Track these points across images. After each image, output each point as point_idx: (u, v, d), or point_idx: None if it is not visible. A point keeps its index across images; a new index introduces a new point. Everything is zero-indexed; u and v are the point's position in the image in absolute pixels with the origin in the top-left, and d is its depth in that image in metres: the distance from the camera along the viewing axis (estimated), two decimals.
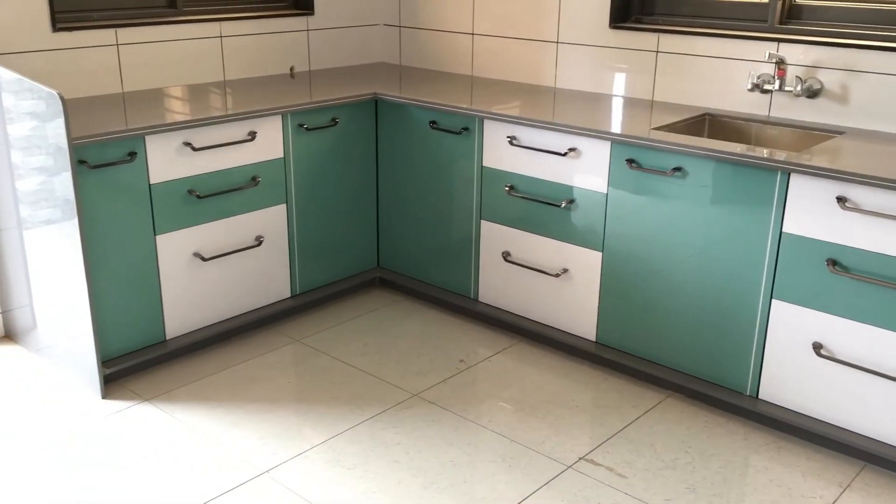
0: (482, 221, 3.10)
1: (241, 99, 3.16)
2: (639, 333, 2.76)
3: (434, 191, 3.22)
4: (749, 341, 2.52)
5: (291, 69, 3.67)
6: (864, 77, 2.69)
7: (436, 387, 2.77)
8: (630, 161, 2.63)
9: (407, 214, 3.35)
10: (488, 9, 3.57)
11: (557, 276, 2.92)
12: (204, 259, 2.87)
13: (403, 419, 2.58)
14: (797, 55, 2.80)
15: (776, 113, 2.88)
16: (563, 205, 2.83)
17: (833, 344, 2.35)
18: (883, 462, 2.33)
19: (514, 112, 2.96)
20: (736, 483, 2.29)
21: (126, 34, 3.13)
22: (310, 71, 3.73)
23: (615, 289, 2.78)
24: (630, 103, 3.13)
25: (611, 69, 3.26)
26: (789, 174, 2.33)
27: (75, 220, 2.48)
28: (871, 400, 2.32)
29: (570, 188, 2.81)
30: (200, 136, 2.79)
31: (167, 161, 2.72)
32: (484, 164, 3.04)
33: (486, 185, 3.05)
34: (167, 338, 2.87)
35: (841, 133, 2.68)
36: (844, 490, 2.26)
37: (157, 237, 2.75)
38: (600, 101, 3.18)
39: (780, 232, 2.38)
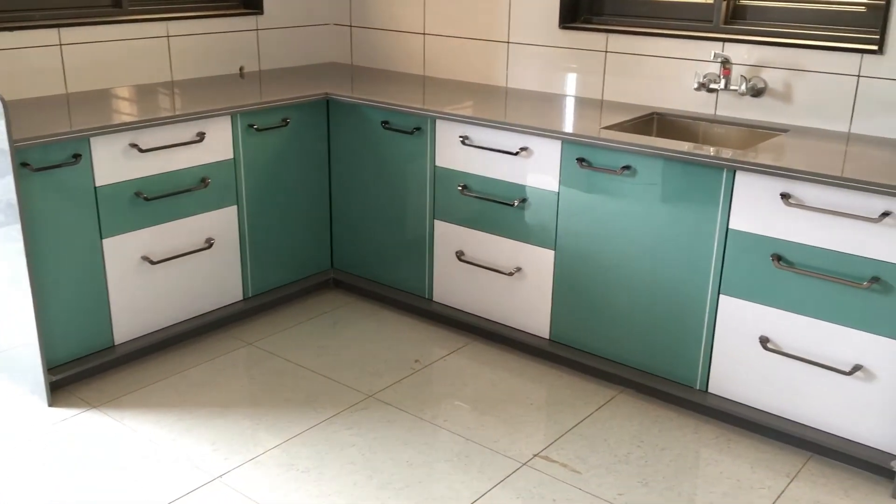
0: (436, 221, 3.10)
1: (190, 99, 3.12)
2: (591, 330, 2.79)
3: (387, 191, 3.21)
4: (698, 336, 2.56)
5: (241, 69, 3.63)
6: (806, 76, 2.75)
7: (391, 387, 2.76)
8: (580, 160, 2.66)
9: (360, 215, 3.34)
10: (439, 9, 3.57)
11: (511, 274, 2.93)
12: (152, 262, 2.83)
13: (359, 421, 2.57)
14: (742, 55, 2.86)
15: (722, 111, 2.93)
16: (516, 204, 2.85)
17: (779, 337, 2.41)
18: (827, 452, 2.39)
19: (467, 112, 2.97)
20: (687, 476, 2.33)
21: (69, 34, 3.07)
22: (259, 71, 3.69)
23: (568, 286, 2.81)
24: (580, 103, 3.17)
25: (561, 69, 3.29)
26: (735, 172, 2.38)
27: (18, 224, 2.42)
28: (815, 391, 2.37)
29: (523, 187, 2.83)
30: (147, 138, 2.74)
31: (113, 163, 2.67)
32: (437, 164, 3.04)
33: (439, 185, 3.05)
34: (115, 343, 2.81)
35: (785, 131, 2.74)
36: (792, 480, 2.32)
37: (104, 240, 2.70)
38: (551, 100, 3.21)
39: (727, 228, 2.43)
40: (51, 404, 2.61)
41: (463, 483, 2.28)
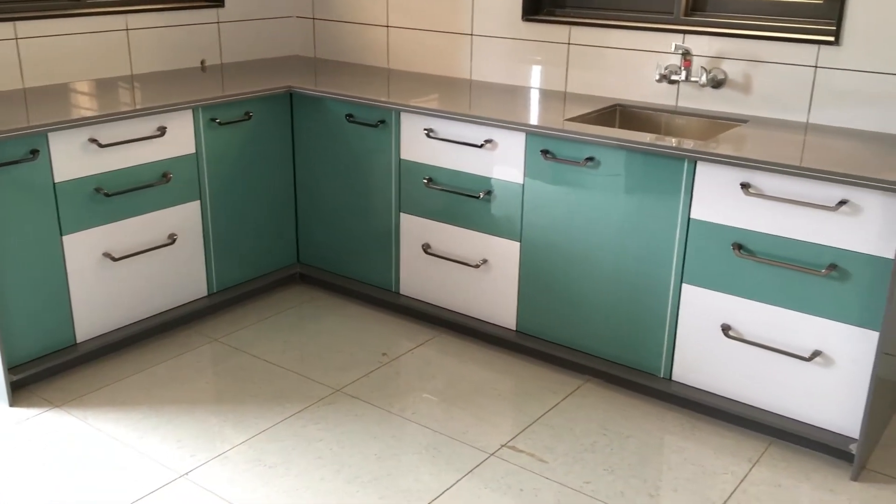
0: (401, 214, 3.10)
1: (150, 93, 3.07)
2: (557, 321, 2.81)
3: (352, 184, 3.20)
4: (661, 325, 2.59)
5: (202, 63, 3.59)
6: (765, 67, 2.79)
7: (358, 381, 2.76)
8: (545, 152, 2.67)
9: (326, 209, 3.32)
10: (403, 1, 3.56)
11: (477, 266, 2.94)
12: (114, 259, 2.79)
13: (326, 415, 2.56)
14: (702, 46, 2.89)
15: (683, 103, 2.97)
16: (481, 196, 2.86)
17: (740, 325, 2.45)
18: (788, 437, 2.44)
19: (431, 104, 2.96)
20: (652, 463, 2.36)
21: (26, 27, 3.01)
22: (221, 64, 3.65)
23: (533, 278, 2.83)
24: (544, 95, 3.18)
25: (524, 61, 3.30)
26: (696, 162, 2.41)
27: None
28: (776, 378, 2.42)
29: (488, 179, 2.84)
30: (107, 133, 2.70)
31: (72, 159, 2.63)
32: (402, 157, 3.03)
33: (405, 178, 3.05)
34: (78, 341, 2.78)
35: (744, 121, 2.78)
36: (754, 465, 2.36)
37: (64, 237, 2.66)
38: (515, 93, 3.21)
39: (689, 218, 2.46)
40: (12, 404, 2.57)
41: (431, 475, 2.29)
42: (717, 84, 2.88)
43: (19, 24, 2.99)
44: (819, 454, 2.39)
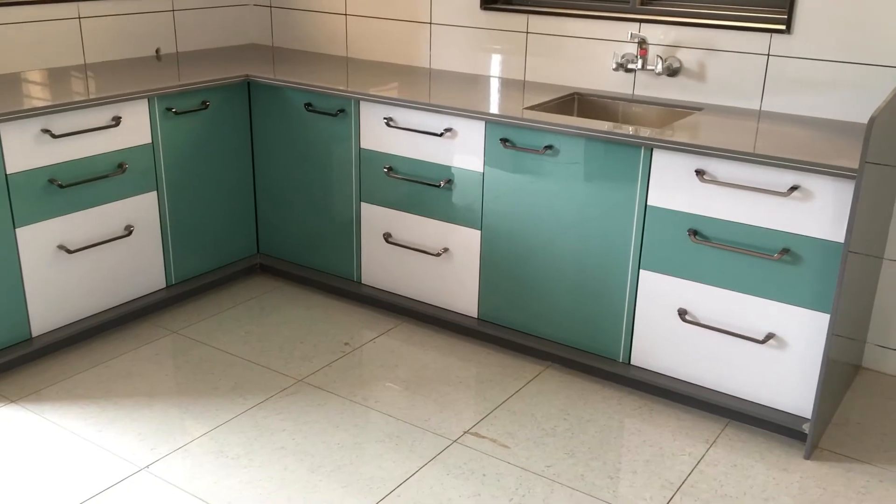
0: (362, 203, 3.09)
1: (104, 83, 3.02)
2: (518, 308, 2.84)
3: (313, 174, 3.19)
4: (620, 310, 2.63)
5: (157, 51, 3.53)
6: (719, 55, 2.83)
7: (321, 371, 2.76)
8: (504, 140, 2.69)
9: (286, 199, 3.30)
10: None
11: (438, 255, 2.95)
12: (69, 251, 2.74)
13: (288, 405, 2.56)
14: (658, 35, 2.92)
15: (640, 91, 3.00)
16: (442, 185, 2.87)
17: (696, 309, 2.49)
18: (744, 418, 2.49)
19: (391, 93, 2.96)
20: (612, 446, 2.40)
21: None
22: (177, 53, 3.60)
23: (494, 266, 2.84)
24: (503, 84, 3.19)
25: (483, 50, 3.31)
26: (652, 150, 2.44)
27: None
28: (731, 361, 2.47)
29: (448, 168, 2.85)
30: (60, 123, 2.65)
31: (25, 149, 2.58)
32: (362, 146, 3.03)
33: (365, 167, 3.04)
34: (33, 335, 2.73)
35: (699, 109, 2.82)
36: (711, 446, 2.41)
37: (17, 230, 2.61)
38: (474, 81, 3.22)
39: (646, 205, 2.49)
40: None
41: (394, 462, 2.30)
42: (672, 72, 2.91)
43: None
44: (773, 434, 2.45)
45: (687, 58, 2.89)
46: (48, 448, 2.33)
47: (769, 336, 2.38)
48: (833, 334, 2.25)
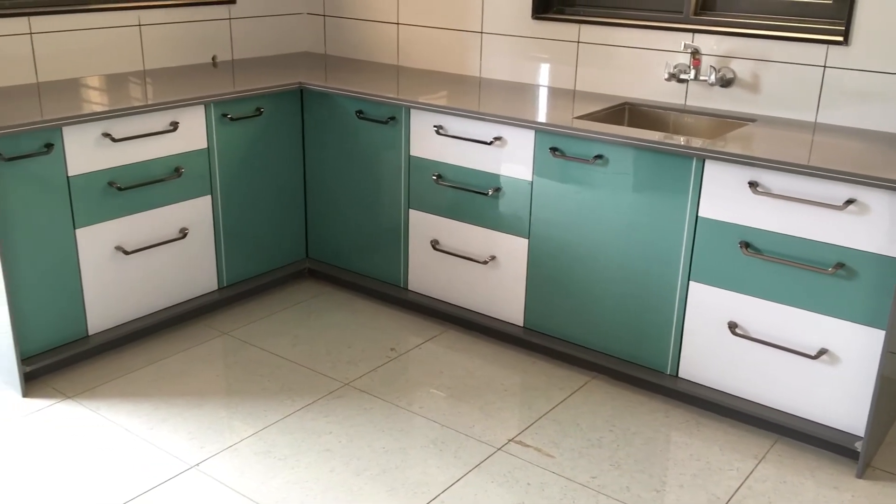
0: (410, 210, 3.12)
1: (162, 88, 3.10)
2: (564, 318, 2.83)
3: (362, 180, 3.23)
4: (668, 322, 2.61)
5: (213, 58, 3.61)
6: (774, 66, 2.80)
7: (367, 375, 2.78)
8: (553, 149, 2.69)
9: (335, 204, 3.34)
10: None
11: (485, 263, 2.96)
12: (126, 252, 2.82)
13: (335, 408, 2.59)
14: (711, 45, 2.90)
15: (692, 102, 2.98)
16: (490, 193, 2.88)
17: (747, 323, 2.46)
18: (794, 434, 2.45)
19: (441, 101, 2.98)
20: (658, 458, 2.38)
21: (40, 23, 3.04)
22: (232, 60, 3.68)
23: (541, 274, 2.84)
24: (553, 93, 3.20)
25: (534, 59, 3.31)
26: (704, 160, 2.42)
27: None
28: (782, 376, 2.43)
29: (497, 176, 2.86)
30: (120, 127, 2.73)
31: (86, 152, 2.66)
32: (411, 154, 3.05)
33: (414, 175, 3.07)
34: (90, 333, 2.81)
35: (753, 120, 2.79)
36: (759, 462, 2.37)
37: (77, 231, 2.69)
38: (524, 90, 3.23)
39: (697, 216, 2.47)
40: (25, 395, 2.60)
41: (438, 468, 2.31)
42: (725, 83, 2.89)
43: (33, 19, 3.02)
44: (824, 452, 2.41)
45: (741, 68, 2.86)
46: (102, 443, 2.39)
47: (821, 352, 2.34)
48: (888, 351, 2.20)
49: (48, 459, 2.31)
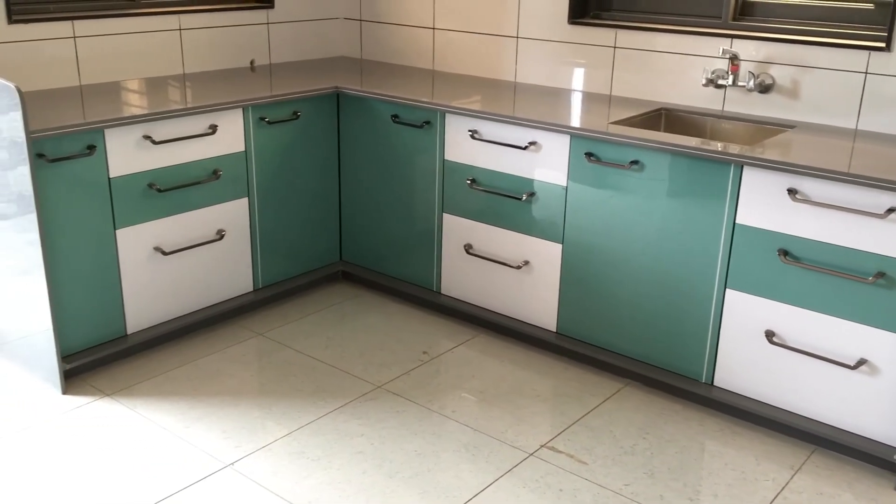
0: (444, 214, 3.13)
1: (201, 92, 3.15)
2: (598, 323, 2.82)
3: (396, 184, 3.24)
4: (704, 330, 2.58)
5: (252, 62, 3.66)
6: (814, 72, 2.77)
7: (399, 378, 2.79)
8: (589, 154, 2.68)
9: (369, 208, 3.36)
10: (448, 3, 3.59)
11: (519, 268, 2.96)
12: (165, 253, 2.86)
13: (367, 411, 2.60)
14: (750, 51, 2.87)
15: (730, 107, 2.95)
16: (524, 198, 2.88)
17: (784, 332, 2.43)
18: (831, 445, 2.42)
19: (476, 106, 2.99)
20: (692, 467, 2.36)
21: (83, 26, 3.10)
22: (270, 64, 3.72)
23: (575, 280, 2.83)
24: (588, 98, 3.19)
25: (569, 64, 3.31)
26: (742, 167, 2.40)
27: (33, 215, 2.45)
28: (820, 385, 2.40)
29: (531, 181, 2.86)
30: (160, 130, 2.77)
31: (127, 154, 2.70)
32: (446, 158, 3.06)
33: (448, 179, 3.08)
34: (128, 332, 2.85)
35: (792, 127, 2.76)
36: (796, 472, 2.34)
37: (117, 231, 2.73)
38: (559, 95, 3.23)
39: (734, 223, 2.45)
40: (64, 392, 2.65)
41: (470, 472, 2.31)
42: (764, 89, 2.86)
43: (77, 23, 3.08)
44: (862, 464, 2.37)
45: (780, 74, 2.83)
46: (138, 441, 2.42)
47: (861, 362, 2.30)
48: None
49: (86, 455, 2.35)
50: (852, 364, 2.31)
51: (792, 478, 2.32)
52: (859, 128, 2.71)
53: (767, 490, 2.26)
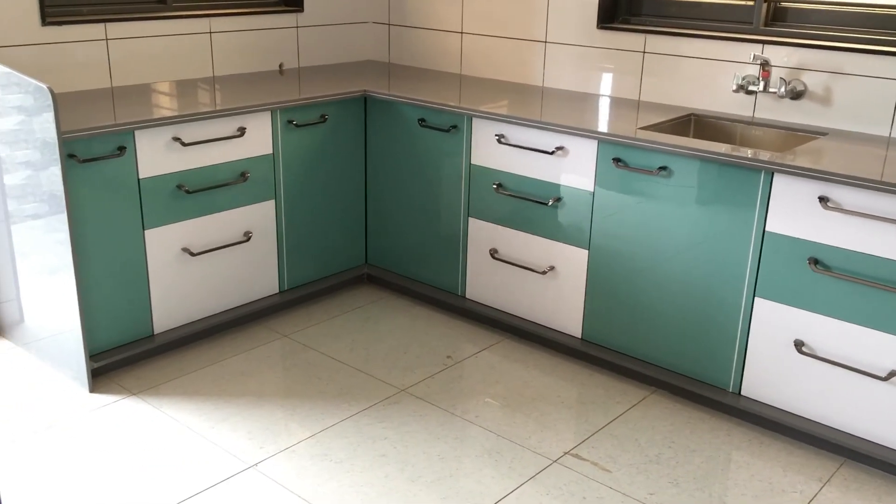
0: (470, 219, 3.12)
1: (231, 95, 3.17)
2: (624, 330, 2.80)
3: (422, 188, 3.24)
4: (732, 339, 2.55)
5: (280, 66, 3.68)
6: (846, 79, 2.73)
7: (423, 382, 2.79)
8: (616, 160, 2.66)
9: (395, 211, 3.37)
10: (477, 8, 3.59)
11: (544, 273, 2.94)
12: (192, 254, 2.88)
13: (391, 414, 2.60)
14: (781, 57, 2.84)
15: (760, 114, 2.92)
16: (551, 203, 2.86)
17: (814, 341, 2.39)
18: (862, 458, 2.37)
19: (503, 110, 2.98)
20: (718, 478, 2.33)
21: (115, 29, 3.14)
22: (299, 68, 3.74)
23: (601, 286, 2.81)
24: (617, 103, 3.17)
25: (598, 69, 3.29)
26: (773, 174, 2.37)
27: (64, 215, 2.48)
28: (850, 397, 2.36)
29: (558, 186, 2.84)
30: (190, 132, 2.80)
31: (156, 156, 2.73)
32: (472, 162, 3.06)
33: (475, 183, 3.07)
34: (155, 332, 2.88)
35: (824, 134, 2.72)
36: (824, 485, 2.30)
37: (146, 232, 2.76)
38: (587, 100, 3.21)
39: (763, 231, 2.42)
40: (92, 391, 2.68)
41: (493, 478, 2.30)
42: (795, 95, 2.82)
43: (109, 25, 3.12)
44: (893, 477, 2.32)
45: (812, 81, 2.79)
46: (164, 440, 2.44)
47: (892, 373, 2.26)
48: None
49: (111, 453, 2.37)
50: (883, 375, 2.27)
51: (820, 490, 2.28)
52: (893, 135, 2.66)
53: (795, 502, 2.23)
